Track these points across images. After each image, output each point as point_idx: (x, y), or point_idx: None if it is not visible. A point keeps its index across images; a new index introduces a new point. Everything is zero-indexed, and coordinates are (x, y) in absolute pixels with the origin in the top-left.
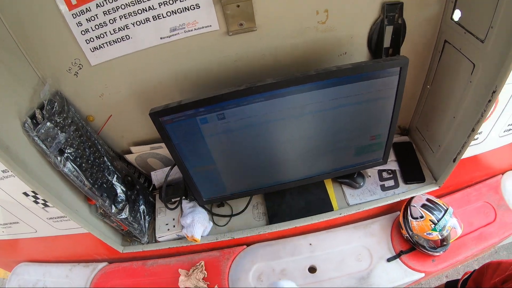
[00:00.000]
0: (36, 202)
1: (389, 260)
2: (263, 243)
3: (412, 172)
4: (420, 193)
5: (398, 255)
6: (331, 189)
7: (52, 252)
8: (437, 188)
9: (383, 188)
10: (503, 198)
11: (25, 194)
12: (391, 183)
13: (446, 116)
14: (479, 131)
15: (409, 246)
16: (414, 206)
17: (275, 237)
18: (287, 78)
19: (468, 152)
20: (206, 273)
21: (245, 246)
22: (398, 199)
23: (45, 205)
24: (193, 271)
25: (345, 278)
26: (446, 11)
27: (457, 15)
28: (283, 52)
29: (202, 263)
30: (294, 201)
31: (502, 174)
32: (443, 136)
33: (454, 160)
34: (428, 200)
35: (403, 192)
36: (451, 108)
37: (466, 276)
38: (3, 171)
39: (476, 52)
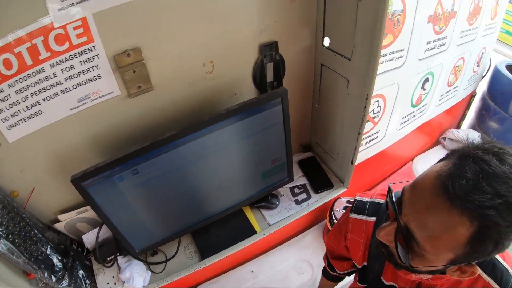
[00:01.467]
0: None
1: None
2: (207, 283)
3: (321, 181)
4: (331, 197)
5: None
6: (251, 215)
7: None
8: (346, 189)
9: (297, 202)
10: None
11: None
12: (303, 196)
13: (336, 127)
14: (376, 131)
15: None
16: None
17: (215, 274)
18: (183, 129)
19: (374, 150)
20: None
21: None
22: (313, 208)
23: None
24: None
25: None
26: (317, 40)
27: (326, 41)
28: (181, 104)
29: None
30: (220, 232)
31: (412, 160)
32: (338, 144)
33: (351, 162)
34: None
35: (316, 200)
36: (338, 119)
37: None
38: None
39: (347, 69)
